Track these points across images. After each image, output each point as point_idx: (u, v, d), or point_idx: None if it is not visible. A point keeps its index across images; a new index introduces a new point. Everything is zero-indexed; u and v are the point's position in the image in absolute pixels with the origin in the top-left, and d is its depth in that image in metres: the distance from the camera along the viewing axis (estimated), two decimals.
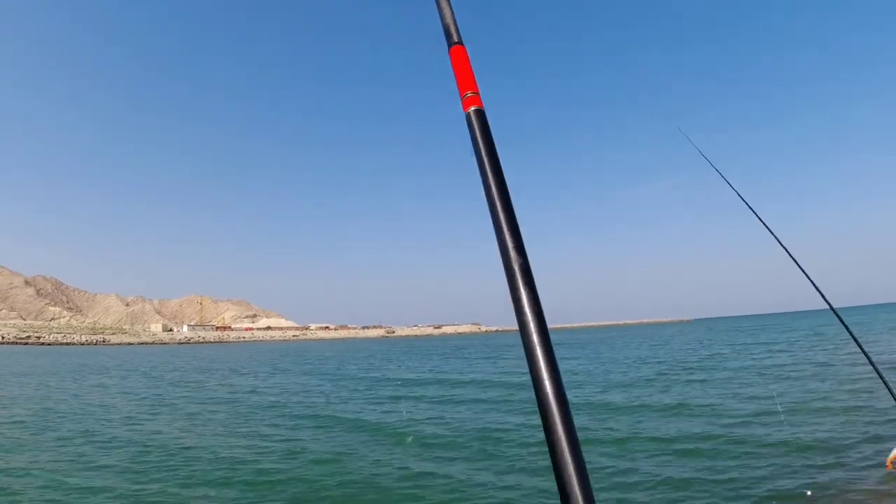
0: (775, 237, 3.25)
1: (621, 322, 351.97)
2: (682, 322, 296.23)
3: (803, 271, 3.24)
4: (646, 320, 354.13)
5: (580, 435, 0.68)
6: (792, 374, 22.79)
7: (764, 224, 3.39)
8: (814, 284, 3.31)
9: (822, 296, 3.35)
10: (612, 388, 21.86)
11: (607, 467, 10.24)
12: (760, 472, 9.57)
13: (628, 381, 23.93)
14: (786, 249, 3.22)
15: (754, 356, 33.28)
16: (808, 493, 8.57)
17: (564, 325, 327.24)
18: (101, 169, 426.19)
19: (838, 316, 3.28)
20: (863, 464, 9.68)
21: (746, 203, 3.42)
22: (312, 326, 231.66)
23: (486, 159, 0.97)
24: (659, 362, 33.41)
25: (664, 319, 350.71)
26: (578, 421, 10.91)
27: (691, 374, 25.64)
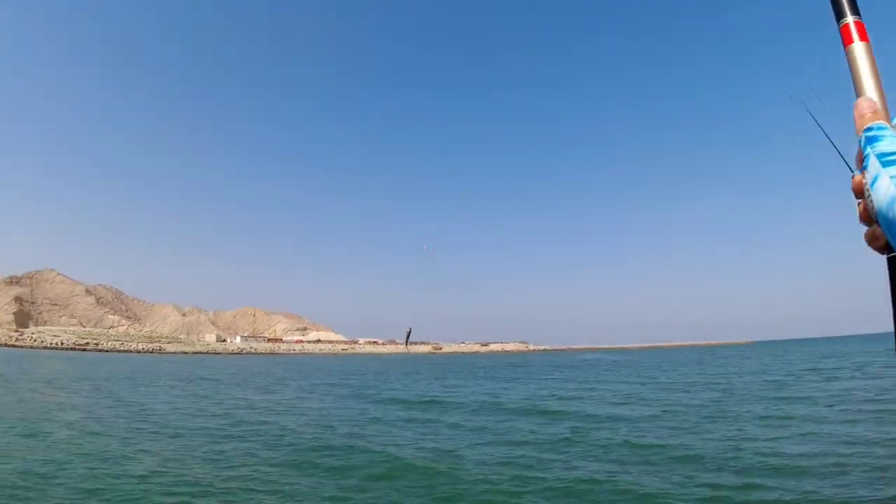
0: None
1: (675, 344, 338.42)
2: (742, 344, 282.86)
3: None
4: (701, 342, 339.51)
5: None
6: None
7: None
8: None
9: None
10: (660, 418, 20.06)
11: None
12: None
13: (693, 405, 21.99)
14: None
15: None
16: None
17: (620, 346, 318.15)
18: (169, 187, 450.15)
19: None
20: None
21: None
22: (361, 341, 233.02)
23: None
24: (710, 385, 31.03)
25: (717, 342, 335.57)
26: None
27: (750, 403, 23.48)
